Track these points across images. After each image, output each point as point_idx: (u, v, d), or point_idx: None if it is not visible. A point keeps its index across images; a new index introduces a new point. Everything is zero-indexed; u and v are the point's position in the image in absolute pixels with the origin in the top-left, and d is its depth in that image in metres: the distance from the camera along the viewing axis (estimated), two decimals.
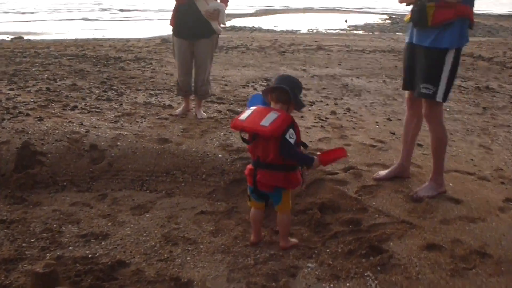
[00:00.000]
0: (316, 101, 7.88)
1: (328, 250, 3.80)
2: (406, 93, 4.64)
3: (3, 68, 8.88)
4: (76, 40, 15.68)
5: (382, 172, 4.81)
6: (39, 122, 5.61)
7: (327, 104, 7.72)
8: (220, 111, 6.67)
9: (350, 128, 6.39)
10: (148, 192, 4.85)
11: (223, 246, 3.88)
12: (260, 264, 3.60)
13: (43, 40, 15.63)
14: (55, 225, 4.16)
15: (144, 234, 4.06)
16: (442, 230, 3.89)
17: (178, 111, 6.46)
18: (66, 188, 4.85)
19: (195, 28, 5.86)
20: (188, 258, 3.73)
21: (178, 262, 3.68)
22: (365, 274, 3.48)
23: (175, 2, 5.99)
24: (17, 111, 5.99)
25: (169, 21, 6.06)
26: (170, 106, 6.83)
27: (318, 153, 3.65)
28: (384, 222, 4.07)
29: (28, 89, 7.28)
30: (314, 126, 6.31)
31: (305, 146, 3.76)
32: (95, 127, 5.63)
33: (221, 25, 6.03)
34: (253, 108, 3.50)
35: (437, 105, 4.26)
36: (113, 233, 4.07)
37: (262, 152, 3.48)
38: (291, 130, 3.39)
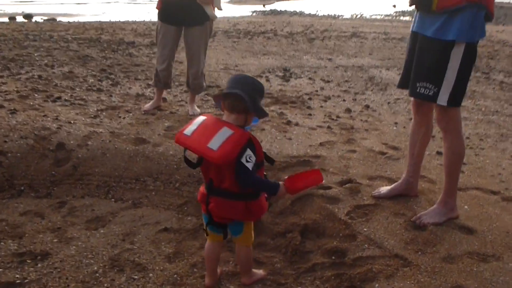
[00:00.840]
0: (333, 96, 7.10)
1: None
2: None
3: (5, 52, 8.48)
4: (101, 23, 15.29)
5: (384, 189, 4.05)
6: (10, 116, 5.11)
7: (344, 100, 6.92)
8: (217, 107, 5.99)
9: (362, 130, 5.60)
10: (113, 201, 4.25)
11: (175, 275, 3.24)
12: None
13: (69, 23, 15.32)
14: None
15: (90, 256, 3.47)
16: (443, 271, 3.12)
17: (147, 106, 5.80)
18: (23, 194, 4.31)
19: (185, 13, 5.15)
20: None
21: None
22: None
23: None
24: None
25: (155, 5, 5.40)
26: (164, 100, 6.21)
27: (286, 177, 2.89)
28: (373, 255, 3.33)
29: (19, 76, 6.82)
30: (320, 126, 5.57)
31: (271, 162, 3.00)
32: (70, 122, 5.08)
33: (217, 10, 5.31)
34: (201, 119, 2.81)
35: (450, 110, 3.46)
36: (55, 252, 3.50)
37: (216, 175, 2.78)
38: (248, 151, 2.64)
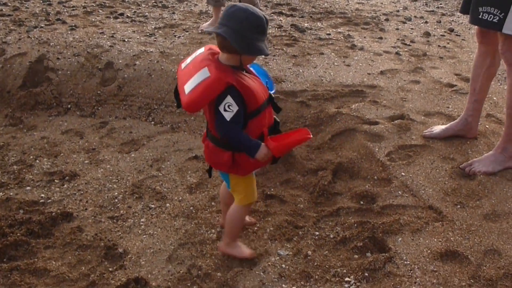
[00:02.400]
0: (415, 17, 6.38)
1: (316, 234, 2.88)
2: None
3: None
4: None
5: (438, 128, 3.58)
6: (69, 32, 5.11)
7: (426, 22, 6.20)
8: (281, 27, 5.61)
9: (435, 58, 4.99)
10: (152, 124, 4.18)
11: (191, 208, 3.15)
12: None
13: None
14: (31, 157, 3.72)
15: (114, 180, 3.46)
16: (480, 231, 2.73)
17: (204, 25, 5.49)
18: (69, 112, 4.36)
19: None
20: (143, 220, 3.08)
21: (128, 223, 3.05)
22: (346, 279, 2.54)
23: None
24: (57, 18, 5.54)
25: None
26: (201, 12, 5.91)
27: (270, 139, 2.48)
28: (404, 204, 2.98)
29: None
30: (387, 52, 5.03)
31: (276, 109, 2.59)
32: (124, 41, 4.98)
33: None
34: (198, 52, 2.46)
35: None
36: (83, 174, 3.53)
37: (208, 117, 2.49)
38: (228, 99, 2.27)
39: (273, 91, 2.57)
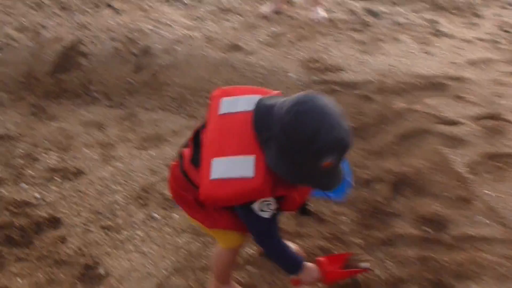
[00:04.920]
0: None
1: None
2: None
3: None
4: None
5: None
6: (112, 16, 4.65)
7: None
8: (351, 11, 4.79)
9: None
10: (182, 117, 3.56)
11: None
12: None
13: None
14: (39, 149, 3.23)
15: (122, 181, 2.90)
16: None
17: (264, 8, 4.78)
18: (96, 101, 3.83)
19: None
20: (138, 233, 2.48)
21: (121, 236, 2.48)
22: None
23: None
24: (106, 3, 5.10)
25: None
26: (289, 2, 5.17)
27: (322, 258, 1.80)
28: (488, 235, 2.15)
29: None
30: (481, 39, 4.07)
31: (308, 213, 1.83)
32: (168, 24, 4.44)
33: None
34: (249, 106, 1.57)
35: None
36: (90, 172, 2.99)
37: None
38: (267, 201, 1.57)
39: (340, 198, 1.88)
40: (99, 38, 4.23)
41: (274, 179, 1.48)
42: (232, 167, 1.49)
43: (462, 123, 2.82)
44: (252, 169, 1.47)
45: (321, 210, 2.47)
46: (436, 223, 2.26)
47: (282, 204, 1.60)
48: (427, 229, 2.24)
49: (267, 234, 1.63)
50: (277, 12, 4.76)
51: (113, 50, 4.08)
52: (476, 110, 2.95)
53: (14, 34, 4.41)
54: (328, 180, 1.51)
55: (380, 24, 4.38)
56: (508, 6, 5.01)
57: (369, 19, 4.54)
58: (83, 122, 3.58)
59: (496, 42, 4.01)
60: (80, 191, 2.80)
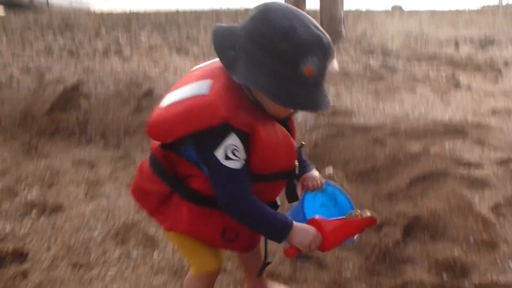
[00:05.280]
0: None
1: None
2: None
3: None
4: None
5: None
6: (119, 63, 4.56)
7: None
8: (367, 66, 4.61)
9: None
10: None
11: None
12: None
13: None
14: (21, 185, 2.99)
15: (102, 217, 2.61)
16: None
17: None
18: (92, 142, 3.65)
19: None
20: (111, 271, 2.14)
21: (90, 274, 2.16)
22: None
23: None
24: (116, 51, 5.06)
25: None
26: None
27: (317, 216, 1.42)
28: None
29: (169, 34, 6.34)
30: (503, 91, 3.82)
31: (291, 196, 1.51)
32: (175, 71, 4.32)
33: None
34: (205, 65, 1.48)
35: None
36: (70, 208, 2.73)
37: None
38: (232, 139, 1.30)
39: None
40: (102, 81, 4.11)
41: (235, 102, 1.28)
42: (186, 91, 1.33)
43: (484, 166, 2.51)
44: (207, 88, 1.29)
45: (322, 255, 2.14)
46: (456, 269, 1.89)
47: (255, 162, 1.32)
48: (445, 276, 1.88)
49: (238, 192, 1.31)
50: None
51: (115, 92, 3.94)
52: (498, 155, 2.64)
53: (18, 75, 4.33)
54: (313, 96, 1.27)
55: (396, 77, 4.18)
56: None
57: (385, 72, 4.35)
58: (74, 160, 3.37)
59: None
60: (55, 226, 2.51)
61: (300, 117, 3.28)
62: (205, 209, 1.39)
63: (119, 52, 4.99)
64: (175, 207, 1.42)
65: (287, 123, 1.44)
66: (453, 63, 4.86)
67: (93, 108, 3.84)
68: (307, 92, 1.26)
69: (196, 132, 1.29)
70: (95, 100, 3.89)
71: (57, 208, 2.70)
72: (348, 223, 1.39)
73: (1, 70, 4.51)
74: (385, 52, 5.34)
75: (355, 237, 1.45)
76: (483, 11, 10.32)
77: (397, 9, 11.27)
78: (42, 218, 2.61)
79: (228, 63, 1.28)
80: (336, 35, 4.33)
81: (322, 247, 1.37)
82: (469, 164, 2.55)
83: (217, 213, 1.38)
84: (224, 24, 1.35)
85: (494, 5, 12.77)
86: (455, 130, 3.00)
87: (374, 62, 4.78)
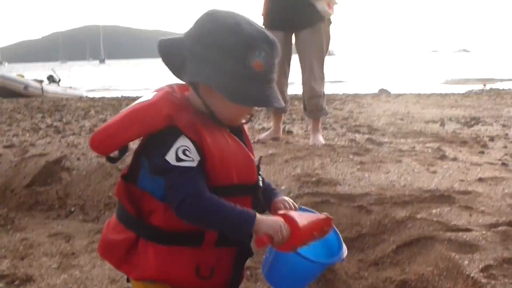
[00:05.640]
0: None
1: None
2: None
3: None
4: None
5: None
6: None
7: None
8: (352, 140, 4.62)
9: None
10: None
11: None
12: None
13: None
14: None
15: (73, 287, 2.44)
16: None
17: (263, 135, 4.65)
18: (71, 215, 3.55)
19: (292, 13, 4.00)
20: None
21: None
22: None
23: None
24: None
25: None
26: (288, 132, 5.06)
27: (281, 212, 1.36)
28: None
29: None
30: (490, 163, 3.77)
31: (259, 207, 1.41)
32: None
33: (332, 5, 4.06)
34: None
35: None
36: (40, 280, 2.61)
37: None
38: (182, 141, 1.28)
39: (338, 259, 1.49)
40: (85, 155, 4.05)
41: (179, 105, 1.31)
42: (130, 106, 1.37)
43: (473, 230, 2.42)
44: (151, 96, 1.34)
45: None
46: None
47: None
48: None
49: (192, 187, 1.23)
50: (274, 139, 4.61)
51: (98, 165, 3.87)
52: (488, 219, 2.55)
53: (1, 150, 4.28)
54: (264, 91, 1.29)
55: (381, 150, 4.16)
56: None
57: (370, 146, 4.34)
58: (51, 234, 3.26)
59: (506, 165, 3.72)
60: None
61: (284, 185, 3.22)
62: (173, 248, 1.31)
63: None
64: (142, 252, 1.34)
65: (241, 136, 1.41)
66: (439, 138, 4.87)
67: (74, 181, 3.76)
68: (258, 88, 1.28)
69: (141, 136, 1.33)
70: (76, 174, 3.81)
71: (27, 280, 2.57)
72: (309, 217, 1.36)
73: None
74: (371, 129, 5.37)
75: (344, 255, 1.43)
76: (468, 94, 10.58)
77: (384, 92, 11.56)
78: None
79: (175, 68, 1.32)
80: (317, 109, 4.35)
81: (292, 238, 1.27)
82: (457, 229, 2.46)
83: (187, 250, 1.31)
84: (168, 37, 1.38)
85: (479, 89, 13.16)
86: (442, 197, 2.93)
87: (360, 137, 4.79)
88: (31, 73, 29.00)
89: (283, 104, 1.35)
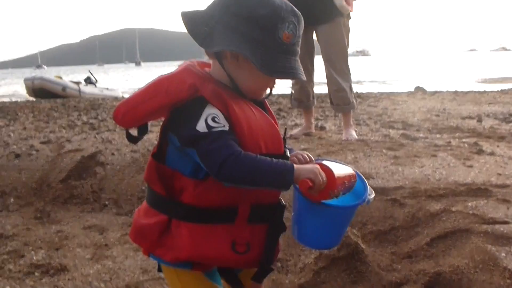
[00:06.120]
0: None
1: None
2: None
3: None
4: None
5: None
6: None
7: None
8: (386, 135, 4.55)
9: None
10: None
11: None
12: None
13: None
14: (29, 248, 2.92)
15: (106, 279, 2.52)
16: None
17: (295, 131, 4.61)
18: (105, 209, 3.59)
19: (311, 8, 3.95)
20: None
21: None
22: None
23: None
24: None
25: None
26: (321, 128, 5.02)
27: (315, 162, 1.38)
28: None
29: None
30: None
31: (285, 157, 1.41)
32: None
33: (351, 2, 3.98)
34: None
35: None
36: (74, 269, 2.64)
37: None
38: (210, 109, 1.28)
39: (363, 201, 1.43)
40: (120, 150, 4.11)
41: (202, 76, 1.32)
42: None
43: (510, 223, 2.35)
44: (175, 69, 1.36)
45: None
46: None
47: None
48: None
49: (228, 148, 1.23)
50: (307, 134, 4.59)
51: (132, 160, 3.93)
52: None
53: (38, 145, 4.38)
54: (292, 63, 1.31)
55: (416, 145, 4.09)
56: None
57: (405, 141, 4.26)
58: (85, 226, 3.30)
59: None
60: (56, 286, 2.40)
61: None
62: (206, 226, 1.31)
63: None
64: (175, 233, 1.33)
65: (264, 110, 1.41)
66: (475, 133, 4.75)
67: (108, 175, 3.82)
68: (285, 59, 1.30)
69: (166, 106, 1.32)
70: (110, 168, 3.87)
71: (61, 270, 2.61)
72: (338, 166, 1.36)
73: (22, 142, 4.58)
74: (406, 125, 5.28)
75: (371, 196, 1.43)
76: (507, 92, 10.28)
77: (419, 89, 11.35)
78: (44, 279, 2.52)
79: (202, 39, 1.32)
80: (344, 103, 4.28)
81: (329, 184, 1.27)
82: (494, 221, 2.38)
83: (221, 227, 1.31)
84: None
85: None
86: (478, 190, 2.85)
87: (395, 132, 4.71)
88: (69, 76, 29.70)
89: (305, 78, 1.34)
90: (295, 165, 1.24)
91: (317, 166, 1.27)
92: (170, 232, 1.34)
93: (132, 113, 1.36)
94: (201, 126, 1.25)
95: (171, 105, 1.32)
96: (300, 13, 1.33)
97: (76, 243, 2.98)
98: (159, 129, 1.43)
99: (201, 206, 1.31)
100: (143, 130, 1.43)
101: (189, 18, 1.34)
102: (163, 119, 1.40)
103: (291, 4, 1.31)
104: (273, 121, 1.38)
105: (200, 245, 1.31)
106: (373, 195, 1.44)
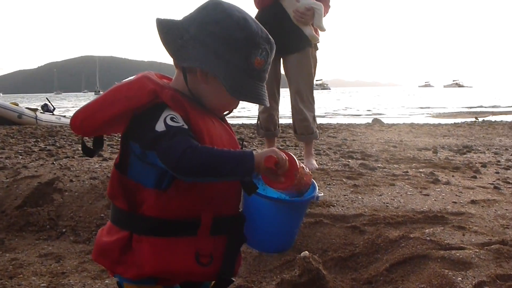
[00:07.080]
0: None
1: None
2: None
3: None
4: None
5: None
6: (98, 162, 4.52)
7: None
8: (346, 165, 4.63)
9: None
10: None
11: None
12: None
13: None
14: None
15: None
16: None
17: None
18: (62, 236, 3.50)
19: (280, 38, 4.00)
20: None
21: None
22: None
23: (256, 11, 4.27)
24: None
25: None
26: None
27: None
28: None
29: None
30: (482, 187, 3.80)
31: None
32: None
33: (318, 31, 4.10)
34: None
35: None
36: None
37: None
38: (167, 112, 1.29)
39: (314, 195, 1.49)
40: (78, 177, 4.03)
41: (160, 84, 1.32)
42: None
43: (466, 248, 2.41)
44: (132, 77, 1.37)
45: None
46: None
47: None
48: None
49: (185, 142, 1.22)
50: None
51: (91, 187, 3.85)
52: (481, 238, 2.55)
53: None
54: (259, 89, 1.34)
55: (375, 174, 4.18)
56: (509, 168, 4.84)
57: (364, 170, 4.35)
58: (41, 254, 3.21)
59: (498, 188, 3.74)
60: None
61: None
62: (169, 239, 1.30)
63: (99, 154, 4.98)
64: (136, 249, 1.32)
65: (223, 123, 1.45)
66: (431, 164, 4.89)
67: (66, 202, 3.73)
68: (254, 85, 1.33)
69: (124, 112, 1.31)
70: (68, 195, 3.79)
71: None
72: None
73: None
74: (365, 155, 5.39)
75: (321, 194, 1.47)
76: (460, 125, 10.67)
77: (377, 121, 11.66)
78: None
79: (175, 51, 1.33)
80: (308, 132, 4.30)
81: (292, 164, 1.31)
82: (450, 247, 2.45)
83: (184, 240, 1.31)
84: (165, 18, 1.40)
85: (471, 121, 13.28)
86: (435, 218, 2.94)
87: (354, 162, 4.80)
88: (25, 104, 29.03)
89: (268, 104, 1.38)
90: (254, 152, 1.26)
91: (274, 147, 1.32)
92: (131, 248, 1.32)
93: (90, 120, 1.35)
94: (160, 126, 1.26)
95: (130, 112, 1.31)
96: (273, 41, 1.37)
97: (31, 271, 2.89)
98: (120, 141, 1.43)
99: (163, 217, 1.30)
100: (98, 143, 1.43)
101: (164, 26, 1.36)
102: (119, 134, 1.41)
103: (266, 31, 1.35)
104: (231, 132, 1.42)
105: (163, 259, 1.29)
106: (322, 194, 1.48)
